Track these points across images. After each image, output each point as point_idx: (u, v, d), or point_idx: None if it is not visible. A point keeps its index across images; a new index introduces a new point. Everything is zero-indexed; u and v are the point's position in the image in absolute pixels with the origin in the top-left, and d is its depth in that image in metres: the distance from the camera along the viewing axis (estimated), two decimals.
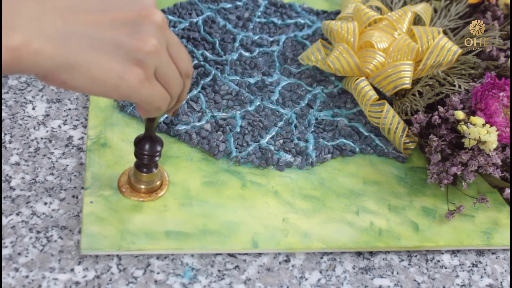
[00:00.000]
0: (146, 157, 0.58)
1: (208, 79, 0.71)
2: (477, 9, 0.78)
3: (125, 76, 0.43)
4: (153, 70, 0.45)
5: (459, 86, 0.69)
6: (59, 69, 0.41)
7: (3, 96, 0.67)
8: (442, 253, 0.62)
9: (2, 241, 0.57)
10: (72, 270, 0.56)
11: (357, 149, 0.68)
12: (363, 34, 0.72)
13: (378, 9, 0.79)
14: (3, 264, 0.55)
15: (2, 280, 0.54)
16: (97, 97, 0.68)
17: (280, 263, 0.59)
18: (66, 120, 0.67)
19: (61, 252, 0.57)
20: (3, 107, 0.66)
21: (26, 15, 0.39)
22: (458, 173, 0.62)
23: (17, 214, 0.59)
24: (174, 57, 0.47)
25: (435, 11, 0.79)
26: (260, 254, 0.60)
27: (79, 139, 0.65)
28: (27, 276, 0.55)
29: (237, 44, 0.75)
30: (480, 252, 0.63)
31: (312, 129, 0.69)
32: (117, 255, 0.57)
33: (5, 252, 0.56)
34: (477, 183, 0.67)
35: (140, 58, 0.43)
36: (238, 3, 0.80)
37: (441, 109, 0.64)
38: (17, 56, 0.39)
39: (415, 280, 0.60)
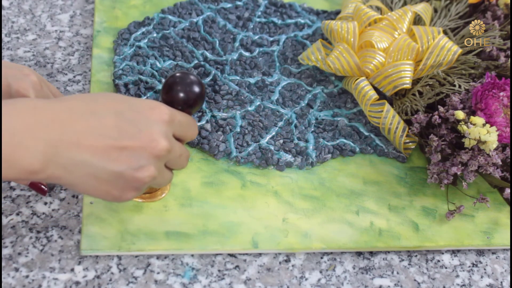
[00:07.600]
0: None
1: (208, 79, 0.71)
2: (477, 9, 0.78)
3: (122, 197, 0.50)
4: (149, 184, 0.51)
5: (459, 86, 0.69)
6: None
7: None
8: (442, 253, 0.62)
9: (2, 241, 0.57)
10: (72, 270, 0.56)
11: (357, 149, 0.68)
12: (363, 34, 0.72)
13: (378, 9, 0.78)
14: (3, 264, 0.55)
15: (2, 280, 0.54)
16: None
17: (280, 263, 0.59)
18: None
19: (61, 252, 0.57)
20: None
21: (48, 141, 0.45)
22: (458, 173, 0.62)
23: (17, 214, 0.59)
24: (181, 135, 0.54)
25: (435, 11, 0.79)
26: (260, 254, 0.60)
27: None
28: (27, 276, 0.55)
29: (237, 44, 0.75)
30: (480, 252, 0.63)
31: (312, 129, 0.69)
32: (117, 255, 0.57)
33: (5, 252, 0.56)
34: (477, 183, 0.67)
35: (137, 186, 0.50)
36: (238, 3, 0.80)
37: (441, 109, 0.64)
38: (31, 176, 0.45)
39: (415, 280, 0.60)
